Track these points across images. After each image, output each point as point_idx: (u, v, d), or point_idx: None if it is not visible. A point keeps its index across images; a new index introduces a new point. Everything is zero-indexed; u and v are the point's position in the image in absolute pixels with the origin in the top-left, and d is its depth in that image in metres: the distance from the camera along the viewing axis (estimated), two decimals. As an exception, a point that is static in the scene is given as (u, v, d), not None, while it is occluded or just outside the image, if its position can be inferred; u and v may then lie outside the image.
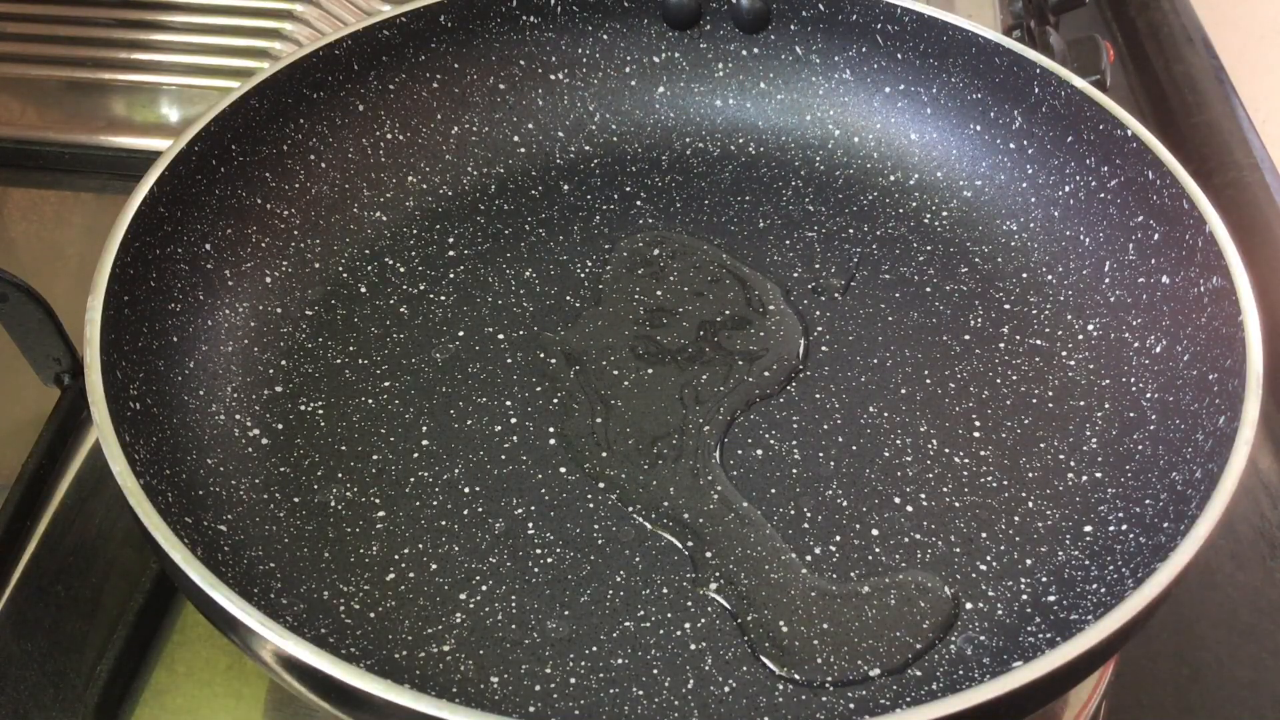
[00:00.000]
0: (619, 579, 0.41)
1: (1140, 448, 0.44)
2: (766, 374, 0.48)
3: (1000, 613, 0.41)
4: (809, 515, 0.43)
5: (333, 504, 0.43)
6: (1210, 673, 0.50)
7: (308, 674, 0.33)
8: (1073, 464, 0.45)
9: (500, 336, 0.49)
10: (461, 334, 0.49)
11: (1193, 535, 0.35)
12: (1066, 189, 0.51)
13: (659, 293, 0.51)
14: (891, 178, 0.56)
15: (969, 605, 0.41)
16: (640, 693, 0.38)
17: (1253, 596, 0.52)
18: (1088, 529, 0.43)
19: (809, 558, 0.42)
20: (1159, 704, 0.49)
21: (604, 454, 0.45)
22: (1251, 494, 0.56)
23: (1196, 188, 0.46)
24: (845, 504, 0.44)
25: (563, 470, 0.45)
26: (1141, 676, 0.49)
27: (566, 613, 0.40)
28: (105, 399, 0.39)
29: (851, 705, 0.38)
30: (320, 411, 0.46)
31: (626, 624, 0.40)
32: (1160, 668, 0.50)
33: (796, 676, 0.39)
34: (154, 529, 0.35)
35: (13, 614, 0.46)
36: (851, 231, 0.54)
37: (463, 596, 0.41)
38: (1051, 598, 0.41)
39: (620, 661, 0.39)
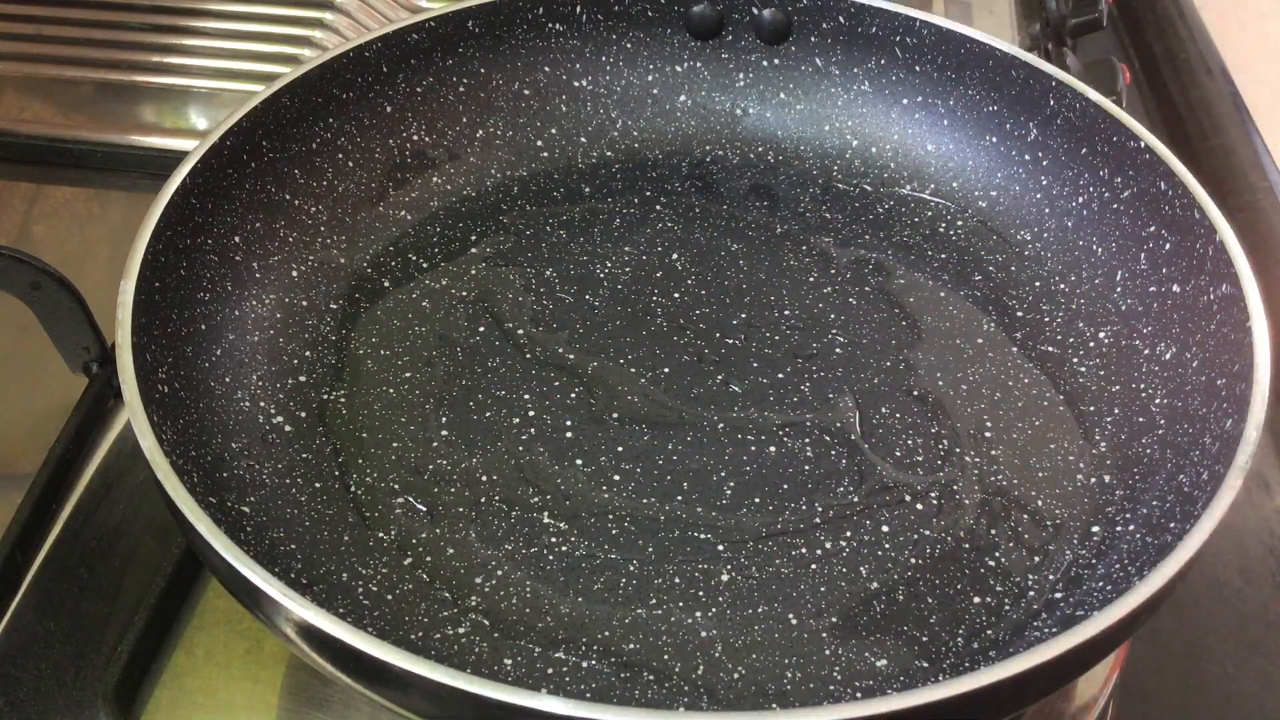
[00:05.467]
0: (632, 568, 0.42)
1: (1149, 451, 0.44)
2: (781, 375, 0.49)
3: (1007, 608, 0.41)
4: (820, 510, 0.44)
5: (353, 489, 0.44)
6: (1217, 684, 0.50)
7: (328, 645, 0.33)
8: (1082, 466, 0.45)
9: (520, 332, 0.50)
10: (482, 329, 0.50)
11: (1197, 530, 0.36)
12: (1080, 200, 0.52)
13: (676, 295, 0.52)
14: (908, 187, 0.57)
15: (976, 600, 0.41)
16: (651, 678, 0.39)
17: (1260, 611, 0.53)
18: (1095, 529, 0.43)
19: (819, 552, 0.43)
20: (1166, 714, 0.49)
21: (619, 448, 0.46)
22: (1260, 509, 0.57)
23: (1207, 198, 0.46)
24: (856, 500, 0.44)
25: (579, 462, 0.45)
26: (1149, 687, 0.50)
27: (580, 599, 0.41)
28: (136, 379, 0.39)
29: (859, 695, 0.39)
30: (342, 400, 0.47)
31: (639, 611, 0.41)
32: (1168, 679, 0.50)
33: (804, 666, 0.39)
34: (181, 503, 0.36)
35: (37, 594, 0.47)
36: (867, 239, 0.55)
37: (478, 581, 0.41)
38: (1058, 595, 0.41)
39: (632, 647, 0.40)
